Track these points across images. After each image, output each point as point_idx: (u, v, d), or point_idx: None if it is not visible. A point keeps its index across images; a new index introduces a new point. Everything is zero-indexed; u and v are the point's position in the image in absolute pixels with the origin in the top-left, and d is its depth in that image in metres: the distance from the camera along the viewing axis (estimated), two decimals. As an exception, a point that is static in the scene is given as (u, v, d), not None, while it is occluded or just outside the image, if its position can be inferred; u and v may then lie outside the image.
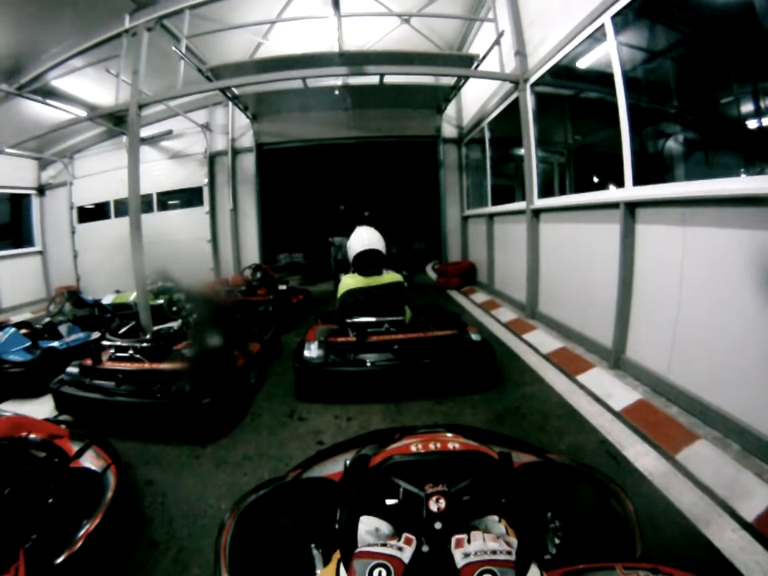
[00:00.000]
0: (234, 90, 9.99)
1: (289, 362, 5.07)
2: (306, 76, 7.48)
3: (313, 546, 1.65)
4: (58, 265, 13.44)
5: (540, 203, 6.79)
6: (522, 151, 7.20)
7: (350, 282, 5.12)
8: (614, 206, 4.73)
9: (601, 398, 4.31)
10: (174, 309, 5.61)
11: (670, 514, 2.68)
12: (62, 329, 6.35)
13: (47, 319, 6.64)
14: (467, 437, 1.69)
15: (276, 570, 1.67)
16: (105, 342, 4.75)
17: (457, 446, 1.54)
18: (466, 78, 9.03)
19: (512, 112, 7.67)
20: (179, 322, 5.48)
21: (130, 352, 4.49)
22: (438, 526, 1.24)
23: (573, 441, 3.62)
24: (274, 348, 6.10)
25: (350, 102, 11.09)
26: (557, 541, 1.68)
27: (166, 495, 3.18)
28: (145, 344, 4.57)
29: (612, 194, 5.07)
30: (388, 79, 9.12)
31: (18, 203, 13.17)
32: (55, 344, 5.71)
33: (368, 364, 4.57)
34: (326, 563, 1.48)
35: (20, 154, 12.12)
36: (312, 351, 4.68)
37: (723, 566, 2.29)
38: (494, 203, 9.52)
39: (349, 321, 4.87)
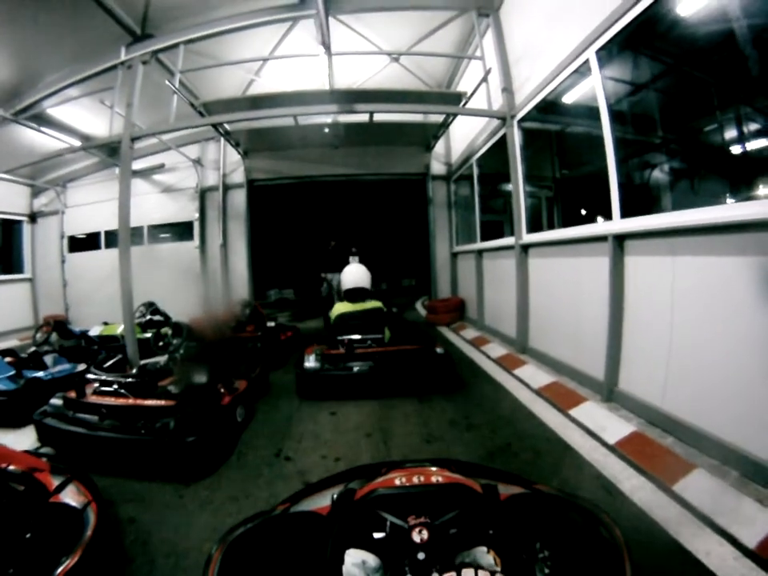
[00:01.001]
0: (226, 125, 10.03)
1: (276, 400, 5.73)
2: (296, 113, 7.62)
3: None
4: (48, 293, 13.38)
5: (529, 238, 6.79)
6: (509, 187, 7.25)
7: (340, 307, 6.51)
8: (602, 239, 4.74)
9: (594, 431, 4.22)
10: (161, 344, 5.53)
11: (668, 546, 2.64)
12: (48, 359, 6.22)
13: (33, 348, 6.52)
14: (453, 470, 1.73)
15: None
16: (89, 376, 4.67)
17: (440, 479, 1.59)
18: (455, 115, 9.07)
19: (500, 148, 7.74)
20: (165, 357, 5.41)
21: (115, 386, 4.40)
22: (420, 556, 1.27)
23: (567, 476, 3.54)
24: (261, 386, 6.00)
25: (340, 140, 11.15)
26: (546, 571, 1.63)
27: (148, 534, 3.08)
28: (130, 379, 4.52)
29: (600, 227, 5.09)
30: (378, 117, 9.21)
31: (10, 229, 13.17)
32: (40, 374, 5.56)
33: (354, 370, 5.74)
34: None
35: (13, 179, 12.19)
36: (311, 361, 5.80)
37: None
38: (483, 239, 9.52)
39: (339, 338, 6.18)
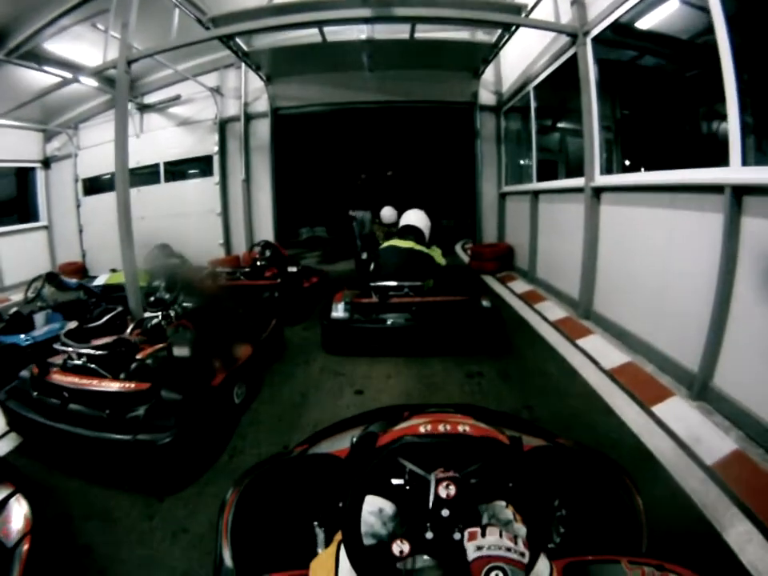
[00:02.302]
0: (243, 45, 8.97)
1: (291, 367, 5.08)
2: (322, 18, 6.38)
3: (316, 524, 1.66)
4: (64, 240, 13.11)
5: (603, 180, 5.74)
6: (564, 124, 6.77)
7: (389, 241, 6.28)
8: (713, 189, 3.68)
9: (687, 443, 3.35)
10: (152, 299, 4.64)
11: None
12: (39, 317, 5.62)
13: (14, 309, 5.76)
14: (477, 418, 1.62)
15: (278, 547, 1.65)
16: (55, 346, 3.82)
17: (467, 428, 1.46)
18: (510, 32, 7.86)
19: (563, 74, 6.87)
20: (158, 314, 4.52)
21: (83, 360, 3.60)
22: (445, 513, 1.17)
23: (657, 503, 2.47)
24: (273, 348, 5.22)
25: (375, 61, 9.85)
26: (561, 530, 1.67)
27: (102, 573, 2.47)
28: (101, 351, 3.65)
29: (710, 173, 3.92)
30: (420, 33, 8.20)
31: (25, 177, 12.87)
32: (21, 337, 4.94)
33: (388, 322, 5.32)
34: (328, 542, 1.50)
35: (24, 126, 11.77)
36: (339, 311, 5.36)
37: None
38: (539, 179, 8.49)
39: (372, 284, 5.57)
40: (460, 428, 1.46)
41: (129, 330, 4.36)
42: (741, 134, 3.53)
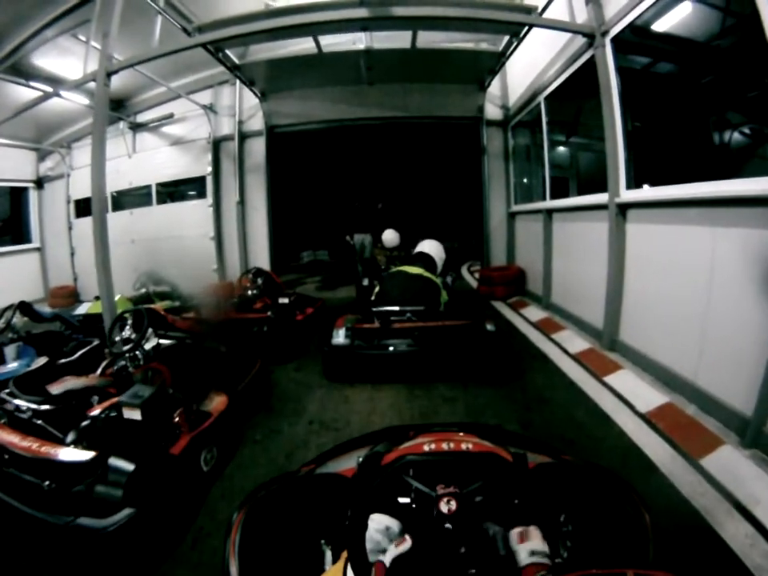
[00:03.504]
0: (234, 58, 8.52)
1: (278, 417, 4.45)
2: (314, 21, 5.85)
3: (323, 542, 1.66)
4: (56, 263, 12.90)
5: (631, 195, 5.16)
6: (576, 138, 6.47)
7: (400, 266, 6.27)
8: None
9: (747, 506, 2.78)
10: (117, 338, 4.07)
11: None
12: (10, 350, 5.13)
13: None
14: (481, 436, 1.75)
15: (286, 565, 1.66)
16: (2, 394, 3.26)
17: (470, 446, 1.61)
18: (522, 33, 7.35)
19: (577, 83, 6.50)
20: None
21: (29, 414, 3.05)
22: (448, 526, 1.24)
23: None
24: (257, 395, 4.62)
25: (374, 74, 9.40)
26: (568, 544, 1.65)
27: None
28: (48, 405, 3.10)
29: None
30: (422, 43, 7.79)
31: (18, 197, 12.78)
32: None
33: (390, 349, 5.14)
34: (335, 560, 1.51)
35: (18, 144, 11.74)
36: (340, 337, 5.23)
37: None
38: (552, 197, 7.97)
39: (375, 309, 5.56)
40: (463, 446, 1.58)
41: (99, 370, 3.87)
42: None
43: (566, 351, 5.89)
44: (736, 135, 4.35)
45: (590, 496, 1.97)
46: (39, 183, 12.82)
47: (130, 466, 2.58)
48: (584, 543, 1.67)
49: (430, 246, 6.48)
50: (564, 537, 1.67)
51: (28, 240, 12.78)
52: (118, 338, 4.01)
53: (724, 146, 4.42)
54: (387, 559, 1.17)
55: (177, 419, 3.24)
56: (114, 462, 2.60)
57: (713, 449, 3.39)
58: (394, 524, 1.32)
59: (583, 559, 1.62)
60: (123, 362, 3.83)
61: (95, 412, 3.06)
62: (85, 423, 2.95)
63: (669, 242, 4.51)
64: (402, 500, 1.40)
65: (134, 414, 2.89)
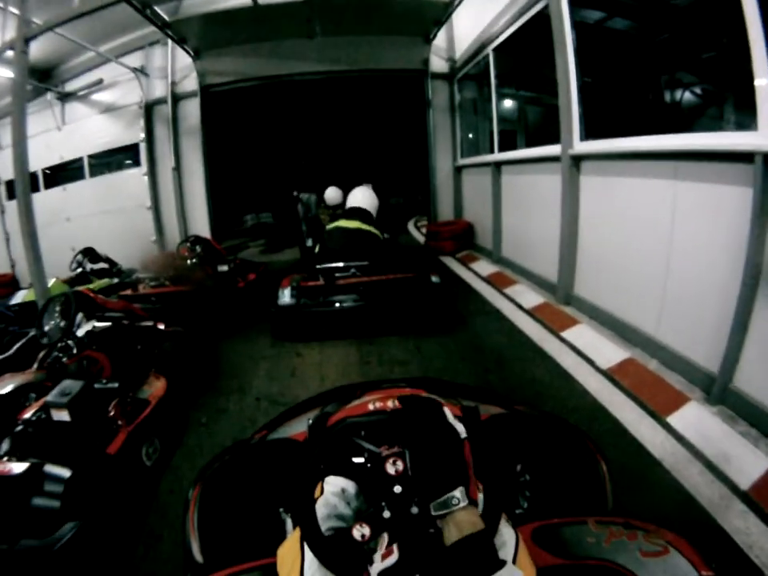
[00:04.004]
0: (164, 15, 7.94)
1: (223, 395, 4.19)
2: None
3: (282, 510, 1.64)
4: None
5: (585, 147, 4.99)
6: (524, 91, 6.33)
7: (336, 222, 6.11)
8: (736, 158, 3.07)
9: (716, 464, 2.75)
10: (47, 327, 3.75)
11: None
12: None
13: None
14: (430, 391, 1.68)
15: (247, 537, 1.63)
16: None
17: None
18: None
19: (527, 34, 6.34)
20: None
21: None
22: (397, 489, 1.17)
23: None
24: (200, 373, 4.42)
25: (314, 27, 8.95)
26: (527, 494, 1.69)
27: None
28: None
29: (739, 139, 3.19)
30: None
31: None
32: None
33: (337, 305, 5.18)
34: (295, 527, 1.40)
35: None
36: (286, 296, 5.23)
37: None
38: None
39: (318, 267, 5.52)
40: None
41: (36, 364, 3.61)
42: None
43: (520, 306, 5.80)
44: (687, 95, 4.31)
45: (546, 446, 1.94)
46: (-31, 165, 12.06)
47: (66, 473, 2.36)
48: (543, 493, 1.69)
49: (362, 198, 6.39)
50: (522, 487, 1.71)
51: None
52: (47, 328, 3.72)
53: (675, 104, 4.38)
54: (373, 573, 1.07)
55: (112, 412, 2.98)
56: (50, 469, 2.37)
57: (679, 406, 3.34)
58: (349, 485, 1.26)
59: (543, 509, 1.63)
60: (57, 353, 3.53)
61: (27, 415, 2.81)
62: (18, 428, 2.71)
63: (627, 194, 4.39)
64: (356, 459, 1.33)
65: (63, 416, 2.65)
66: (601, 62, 5.48)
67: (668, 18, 4.39)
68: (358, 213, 6.13)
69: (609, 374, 3.90)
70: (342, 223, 5.99)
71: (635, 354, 4.09)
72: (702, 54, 4.38)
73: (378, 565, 1.06)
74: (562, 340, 4.67)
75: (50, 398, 2.71)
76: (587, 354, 4.28)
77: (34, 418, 2.75)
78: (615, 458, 2.74)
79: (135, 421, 3.06)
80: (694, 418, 3.20)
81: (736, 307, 3.07)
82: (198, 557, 1.59)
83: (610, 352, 4.22)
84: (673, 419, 3.21)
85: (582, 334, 4.68)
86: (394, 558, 1.06)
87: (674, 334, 3.81)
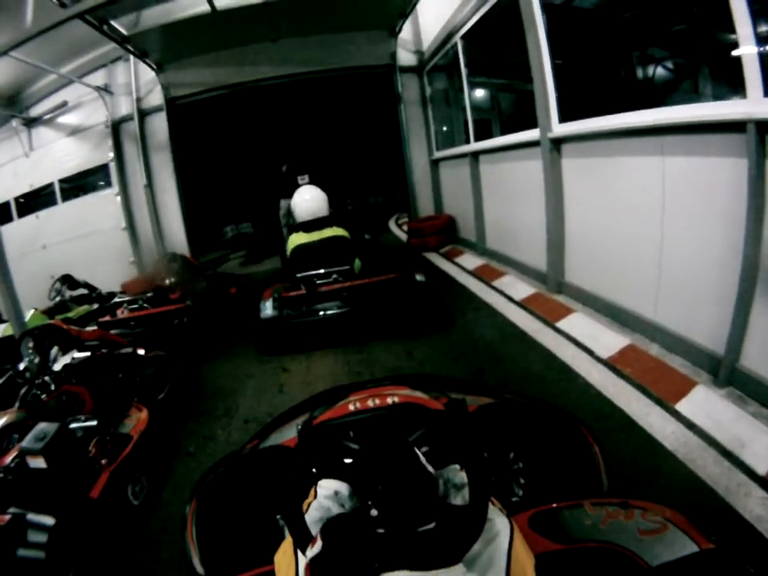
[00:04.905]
0: (121, 29, 7.72)
1: (209, 421, 4.00)
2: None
3: (278, 517, 1.67)
4: None
5: (564, 129, 4.83)
6: (495, 78, 6.16)
7: (295, 239, 5.69)
8: (726, 128, 2.94)
9: (731, 450, 2.62)
10: (21, 366, 3.58)
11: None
12: None
13: None
14: (414, 387, 1.78)
15: (246, 546, 1.63)
16: None
17: (396, 399, 1.62)
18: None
19: (495, 19, 6.19)
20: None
21: None
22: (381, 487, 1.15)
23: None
24: (183, 400, 4.19)
25: (276, 29, 8.75)
26: (522, 481, 1.71)
27: None
28: None
29: (727, 108, 3.05)
30: None
31: None
32: None
33: (320, 314, 5.05)
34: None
35: None
36: (267, 309, 5.07)
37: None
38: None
39: (298, 275, 5.45)
40: (389, 400, 1.63)
41: (18, 402, 3.37)
42: (760, 60, 2.74)
43: (511, 299, 5.64)
44: (659, 70, 4.21)
45: (537, 432, 1.96)
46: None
47: (49, 521, 2.21)
48: (537, 480, 1.72)
49: (318, 205, 5.90)
50: (516, 475, 1.73)
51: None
52: (22, 365, 3.52)
53: (648, 80, 4.28)
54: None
55: (93, 452, 2.78)
56: (33, 518, 2.22)
57: (687, 391, 3.20)
58: (342, 487, 1.28)
59: (539, 495, 1.63)
60: (35, 390, 3.33)
61: (7, 461, 2.62)
62: (-1, 476, 2.52)
63: (612, 175, 4.25)
64: (347, 461, 1.38)
65: (39, 462, 2.45)
66: (572, 43, 5.35)
67: None
68: (317, 223, 5.79)
69: (610, 364, 3.75)
70: (302, 239, 5.68)
71: (635, 340, 3.94)
72: (671, 27, 4.27)
73: None
74: (558, 331, 4.52)
75: (24, 443, 2.52)
76: (585, 343, 4.13)
77: (12, 465, 2.58)
78: (627, 454, 2.76)
79: (118, 459, 2.86)
80: (703, 402, 3.07)
81: (739, 283, 2.93)
82: (199, 569, 1.60)
83: (608, 340, 4.08)
84: (681, 406, 3.08)
85: (578, 323, 4.53)
86: None
87: (673, 316, 3.67)
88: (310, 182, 6.85)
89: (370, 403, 1.61)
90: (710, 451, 2.66)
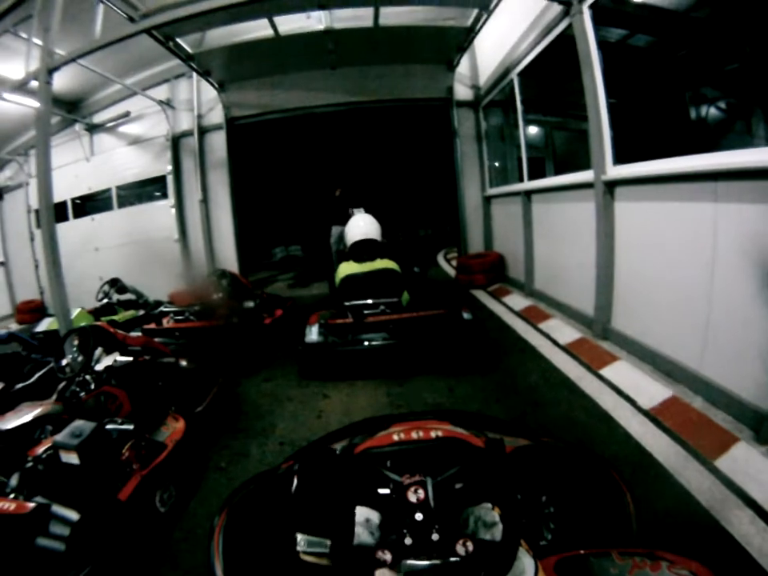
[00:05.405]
0: (186, 47, 8.05)
1: (244, 439, 4.00)
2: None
3: (298, 534, 1.57)
4: (22, 276, 12.70)
5: (619, 172, 4.79)
6: (551, 117, 6.09)
7: (345, 268, 5.67)
8: None
9: None
10: (63, 362, 3.68)
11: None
12: None
13: None
14: (456, 423, 1.74)
15: (270, 563, 1.62)
16: None
17: (440, 433, 1.60)
18: (493, 2, 6.90)
19: (552, 57, 6.19)
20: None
21: None
22: (418, 517, 1.21)
23: None
24: (220, 412, 4.27)
25: (337, 57, 8.97)
26: (552, 526, 1.68)
27: None
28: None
29: None
30: (385, 19, 7.51)
31: None
32: None
33: (365, 344, 5.03)
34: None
35: None
36: (313, 334, 5.11)
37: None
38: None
39: (347, 303, 5.37)
40: (432, 434, 1.60)
41: (56, 395, 3.46)
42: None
43: (555, 342, 5.55)
44: (712, 110, 4.15)
45: (571, 477, 1.92)
46: (-1, 194, 12.34)
47: (74, 516, 2.25)
48: (567, 525, 1.68)
49: (366, 227, 6.01)
50: (547, 519, 1.69)
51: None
52: (65, 361, 3.62)
53: (701, 120, 4.22)
54: None
55: (126, 455, 2.82)
56: (57, 510, 2.27)
57: (727, 448, 3.10)
58: (374, 515, 1.26)
59: (567, 541, 1.61)
60: (74, 387, 3.41)
61: (39, 451, 2.67)
62: (28, 465, 2.57)
63: (663, 220, 4.17)
64: (381, 491, 1.36)
65: (72, 458, 2.48)
66: (625, 82, 5.34)
67: (688, 32, 4.24)
68: (368, 248, 5.82)
69: (651, 415, 3.65)
70: (352, 269, 5.66)
71: (678, 392, 3.84)
72: (724, 66, 4.23)
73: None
74: (601, 378, 4.43)
75: (59, 438, 2.56)
76: (628, 392, 4.04)
77: (44, 456, 2.62)
78: (661, 507, 2.72)
79: (150, 465, 2.92)
80: (743, 460, 2.98)
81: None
82: None
83: (651, 390, 3.98)
84: (720, 462, 2.99)
85: (622, 371, 4.44)
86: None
87: (719, 369, 3.57)
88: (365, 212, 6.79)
89: (414, 435, 1.59)
90: (745, 511, 2.58)
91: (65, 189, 11.07)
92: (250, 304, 6.67)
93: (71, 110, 10.79)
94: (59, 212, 10.86)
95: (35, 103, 7.40)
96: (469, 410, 3.07)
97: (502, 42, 7.77)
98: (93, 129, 11.14)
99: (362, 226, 6.00)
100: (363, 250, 5.80)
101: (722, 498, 2.70)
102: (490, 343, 5.38)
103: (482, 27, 7.82)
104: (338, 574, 1.19)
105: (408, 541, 1.15)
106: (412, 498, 1.23)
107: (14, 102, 8.19)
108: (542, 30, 6.10)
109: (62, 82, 7.48)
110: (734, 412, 3.37)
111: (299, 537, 1.56)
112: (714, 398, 3.56)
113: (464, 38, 8.55)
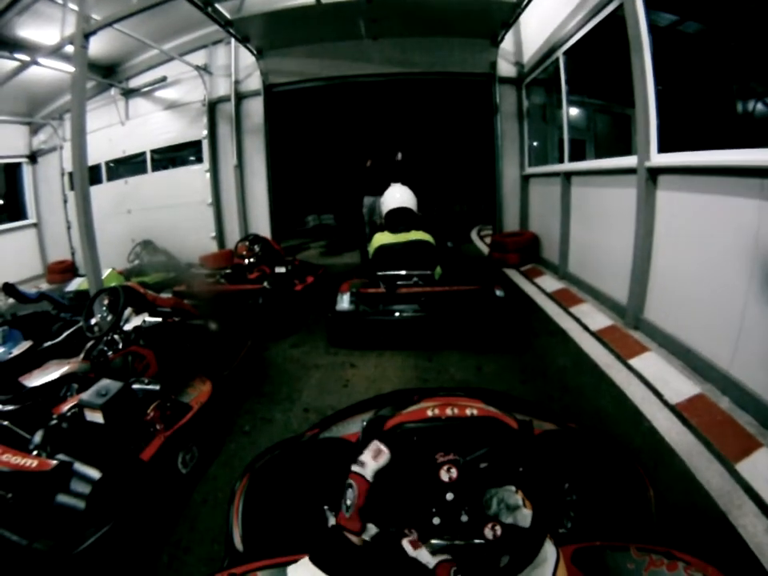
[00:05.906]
0: (226, 13, 8.03)
1: (268, 404, 4.11)
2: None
3: (326, 507, 1.65)
4: (54, 237, 12.92)
5: (663, 159, 4.67)
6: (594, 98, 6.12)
7: (380, 238, 5.72)
8: None
9: None
10: (93, 321, 3.76)
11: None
12: None
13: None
14: (487, 402, 1.70)
15: (289, 531, 1.64)
16: None
17: (475, 412, 1.57)
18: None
19: (600, 37, 6.14)
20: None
21: None
22: (449, 496, 1.20)
23: None
24: (246, 379, 4.32)
25: (377, 28, 8.89)
26: (572, 514, 1.68)
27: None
28: (12, 405, 2.81)
29: None
30: None
31: (13, 174, 12.77)
32: None
33: (396, 314, 5.11)
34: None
35: (8, 120, 11.67)
36: (344, 302, 5.19)
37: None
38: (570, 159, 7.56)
39: (380, 273, 5.46)
40: (468, 411, 1.56)
41: (83, 354, 3.56)
42: None
43: (586, 328, 5.53)
44: (759, 106, 4.07)
45: (595, 466, 1.94)
46: (33, 158, 12.66)
47: (96, 474, 2.31)
48: (588, 514, 1.68)
49: (402, 197, 6.00)
50: (567, 507, 1.70)
51: (24, 216, 12.76)
52: (93, 320, 3.71)
53: (747, 115, 4.24)
54: (368, 473, 1.20)
55: (150, 416, 2.92)
56: (79, 468, 2.33)
57: (749, 452, 3.08)
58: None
59: (586, 531, 1.61)
60: (102, 347, 3.53)
61: (64, 409, 2.77)
62: (52, 422, 2.66)
63: (705, 213, 4.09)
64: (409, 465, 1.33)
65: (96, 417, 2.58)
66: (672, 69, 5.21)
67: (739, 22, 4.12)
68: (404, 219, 5.84)
69: (677, 410, 3.64)
70: (387, 239, 5.70)
71: (706, 390, 3.81)
72: None
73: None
74: (630, 368, 4.41)
75: (84, 396, 2.66)
76: (655, 385, 4.02)
77: (68, 414, 2.71)
78: (681, 506, 2.65)
79: (174, 426, 3.01)
80: (764, 466, 2.95)
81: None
82: (239, 545, 1.64)
83: (679, 385, 3.96)
84: (741, 466, 2.97)
85: (651, 363, 4.41)
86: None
87: (748, 372, 3.51)
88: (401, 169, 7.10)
89: (448, 411, 1.56)
90: (762, 519, 2.57)
91: (99, 152, 11.28)
92: (282, 269, 6.78)
93: (107, 74, 10.89)
94: (93, 175, 11.07)
95: (70, 68, 7.52)
96: (497, 390, 3.03)
97: (548, 19, 7.63)
98: (128, 93, 11.27)
99: (397, 197, 5.99)
100: (399, 219, 5.82)
101: (740, 503, 2.70)
102: (521, 323, 5.41)
103: (528, 3, 7.68)
104: (366, 550, 1.14)
105: (436, 520, 1.16)
106: (444, 477, 1.21)
107: (49, 66, 8.32)
108: (591, 10, 5.97)
109: (97, 46, 7.60)
110: (760, 416, 3.33)
111: (328, 511, 1.62)
112: (741, 400, 3.53)
113: (510, 14, 8.39)
